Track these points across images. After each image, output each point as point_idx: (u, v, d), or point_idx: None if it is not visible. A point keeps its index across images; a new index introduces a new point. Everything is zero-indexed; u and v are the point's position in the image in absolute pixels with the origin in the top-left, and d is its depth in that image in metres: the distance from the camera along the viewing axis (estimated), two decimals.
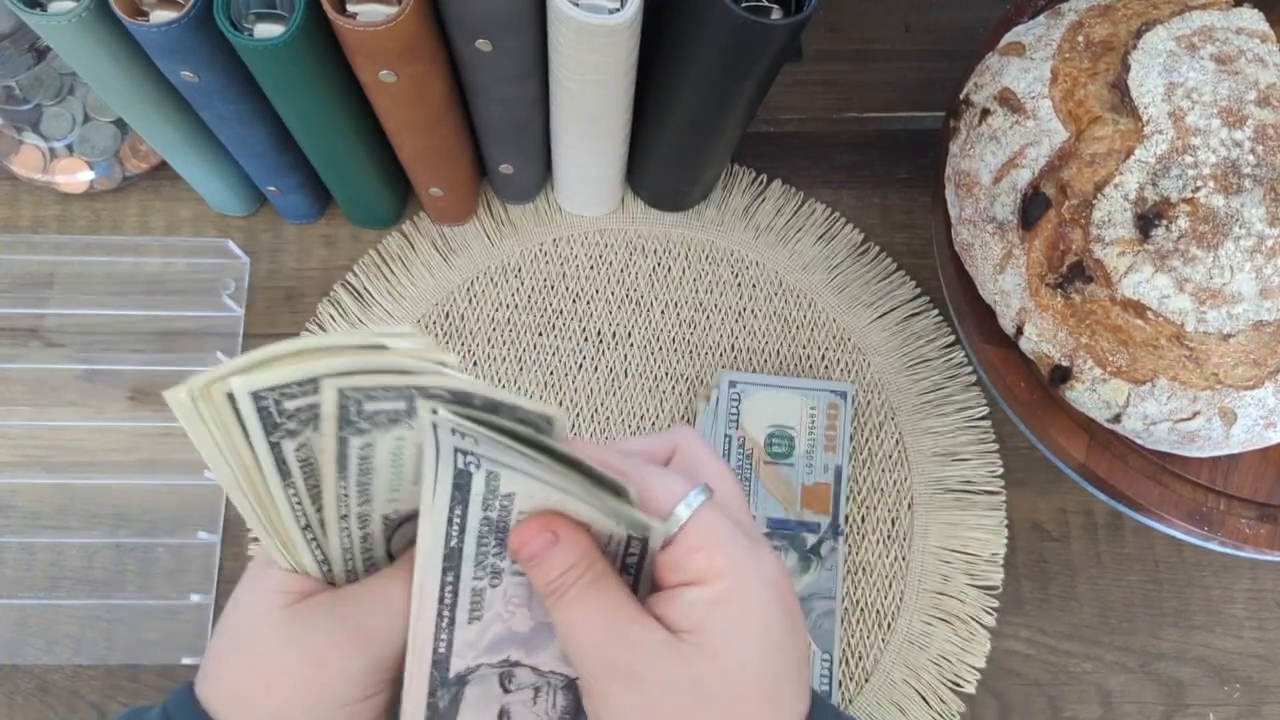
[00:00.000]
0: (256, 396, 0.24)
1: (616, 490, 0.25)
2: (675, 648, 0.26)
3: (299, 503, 0.27)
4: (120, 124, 0.58)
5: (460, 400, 0.24)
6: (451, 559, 0.27)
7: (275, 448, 0.25)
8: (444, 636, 0.27)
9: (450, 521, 0.26)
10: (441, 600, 0.27)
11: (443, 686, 0.28)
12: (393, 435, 0.26)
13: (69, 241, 0.58)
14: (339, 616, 0.28)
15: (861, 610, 0.54)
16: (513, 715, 0.29)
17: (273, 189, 0.55)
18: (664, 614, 0.27)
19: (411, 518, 0.29)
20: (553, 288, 0.59)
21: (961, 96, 0.50)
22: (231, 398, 0.23)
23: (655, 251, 0.60)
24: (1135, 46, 0.44)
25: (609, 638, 0.26)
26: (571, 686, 0.30)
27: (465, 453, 0.25)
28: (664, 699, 0.26)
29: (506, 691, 0.29)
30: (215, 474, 0.26)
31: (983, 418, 0.57)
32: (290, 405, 0.24)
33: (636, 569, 0.28)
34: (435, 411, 0.23)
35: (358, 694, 0.27)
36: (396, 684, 0.29)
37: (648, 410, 0.57)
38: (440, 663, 0.28)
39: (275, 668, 0.27)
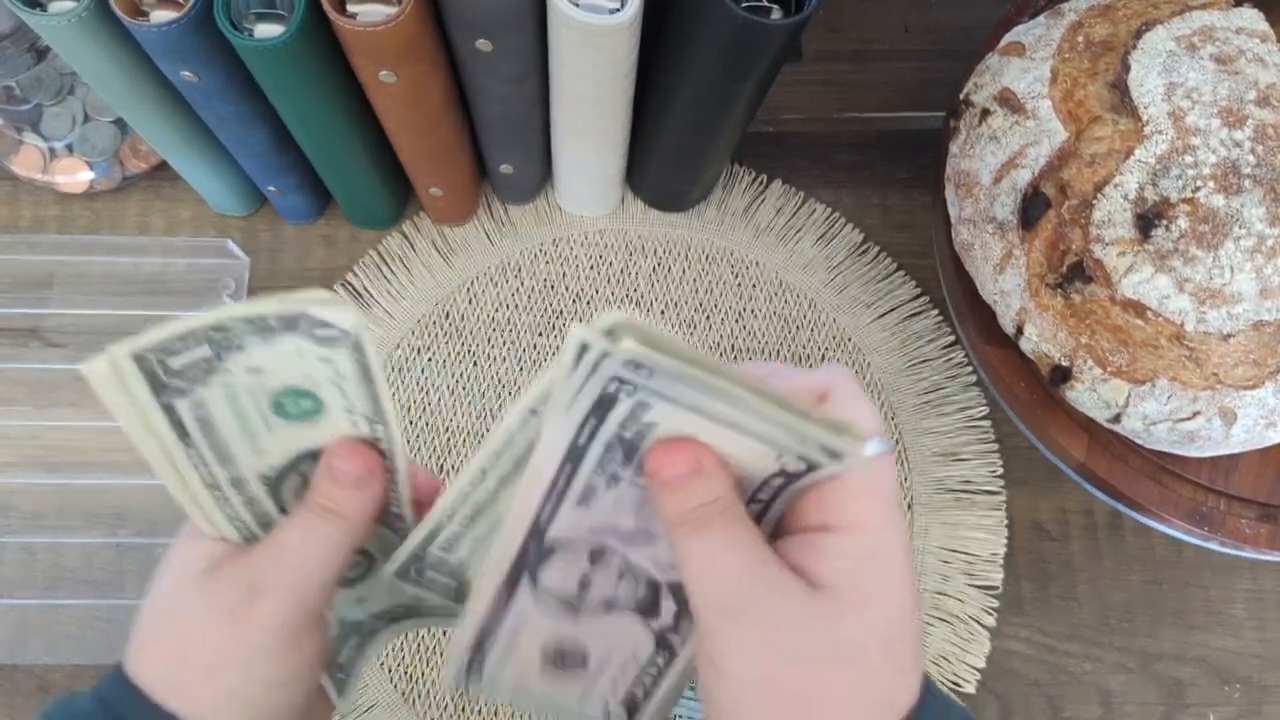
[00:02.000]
0: (138, 358, 0.24)
1: (817, 424, 0.24)
2: (815, 598, 0.25)
3: (204, 463, 0.27)
4: (120, 124, 0.58)
5: (258, 326, 0.24)
6: (573, 456, 0.26)
7: (169, 409, 0.25)
8: (549, 509, 0.27)
9: (582, 427, 0.25)
10: (554, 484, 0.26)
11: (534, 539, 0.28)
12: (217, 386, 0.25)
13: (69, 241, 0.58)
14: (242, 570, 0.28)
15: None
16: (594, 581, 0.29)
17: (272, 189, 0.55)
18: (801, 561, 0.25)
19: (290, 469, 0.29)
20: (553, 288, 0.59)
21: (961, 96, 0.50)
22: (117, 363, 0.24)
23: (655, 251, 0.60)
24: (1135, 46, 0.44)
25: (744, 579, 0.25)
26: (655, 586, 0.29)
27: (624, 381, 0.24)
28: (798, 650, 0.24)
29: (593, 565, 0.28)
30: (135, 445, 0.26)
31: (983, 418, 0.57)
32: (175, 363, 0.24)
33: (763, 511, 0.27)
34: (612, 344, 0.22)
35: (279, 643, 0.27)
36: (320, 628, 0.29)
37: None
38: (537, 530, 0.27)
39: (193, 631, 0.27)
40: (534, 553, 0.28)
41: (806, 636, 0.24)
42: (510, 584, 0.29)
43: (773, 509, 0.27)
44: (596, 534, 0.28)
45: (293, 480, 0.29)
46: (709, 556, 0.25)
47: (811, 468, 0.25)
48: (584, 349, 0.23)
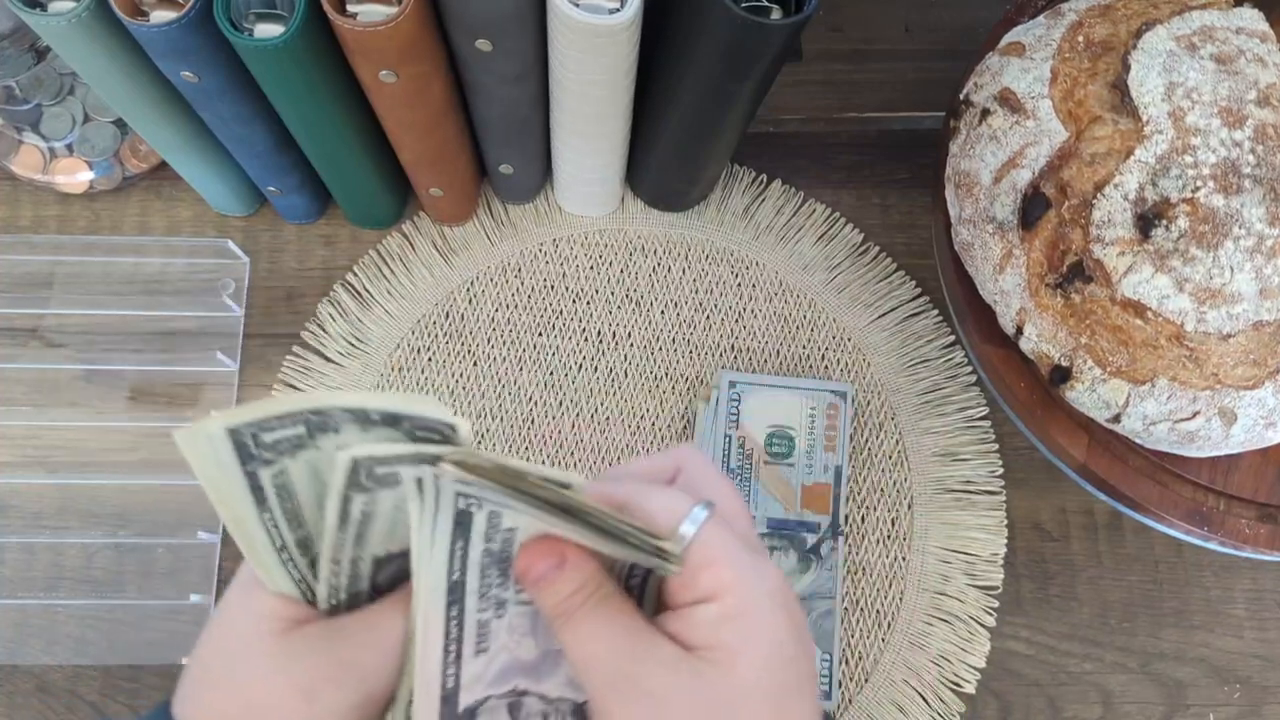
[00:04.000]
0: (232, 432, 0.25)
1: (636, 540, 0.25)
2: (688, 663, 0.26)
3: (274, 526, 0.27)
4: (120, 124, 0.58)
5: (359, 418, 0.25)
6: (455, 593, 0.27)
7: (251, 476, 0.26)
8: (451, 670, 0.27)
9: (452, 556, 0.26)
10: (448, 635, 0.27)
11: (451, 715, 0.28)
12: (395, 493, 0.26)
13: (69, 241, 0.58)
14: (329, 649, 0.27)
15: (861, 610, 0.54)
16: None
17: (273, 189, 0.55)
18: (675, 632, 0.26)
19: (400, 555, 0.29)
20: (553, 288, 0.59)
21: (961, 96, 0.50)
22: (212, 436, 0.25)
23: (655, 251, 0.60)
24: (1135, 46, 0.44)
25: (620, 655, 0.26)
26: (580, 712, 0.29)
27: (469, 497, 0.25)
28: (677, 716, 0.25)
29: (515, 717, 0.29)
30: (213, 504, 0.26)
31: (983, 418, 0.57)
32: (268, 438, 0.25)
33: (641, 589, 0.28)
34: (436, 467, 0.24)
35: None
36: (379, 715, 0.29)
37: (648, 410, 0.57)
38: (449, 698, 0.27)
39: (261, 697, 0.27)
40: None
41: (684, 705, 0.25)
42: None
43: (649, 584, 0.28)
44: (504, 681, 0.28)
45: (392, 562, 0.29)
46: (586, 640, 0.26)
47: (655, 567, 0.27)
48: (420, 483, 0.24)
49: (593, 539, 0.26)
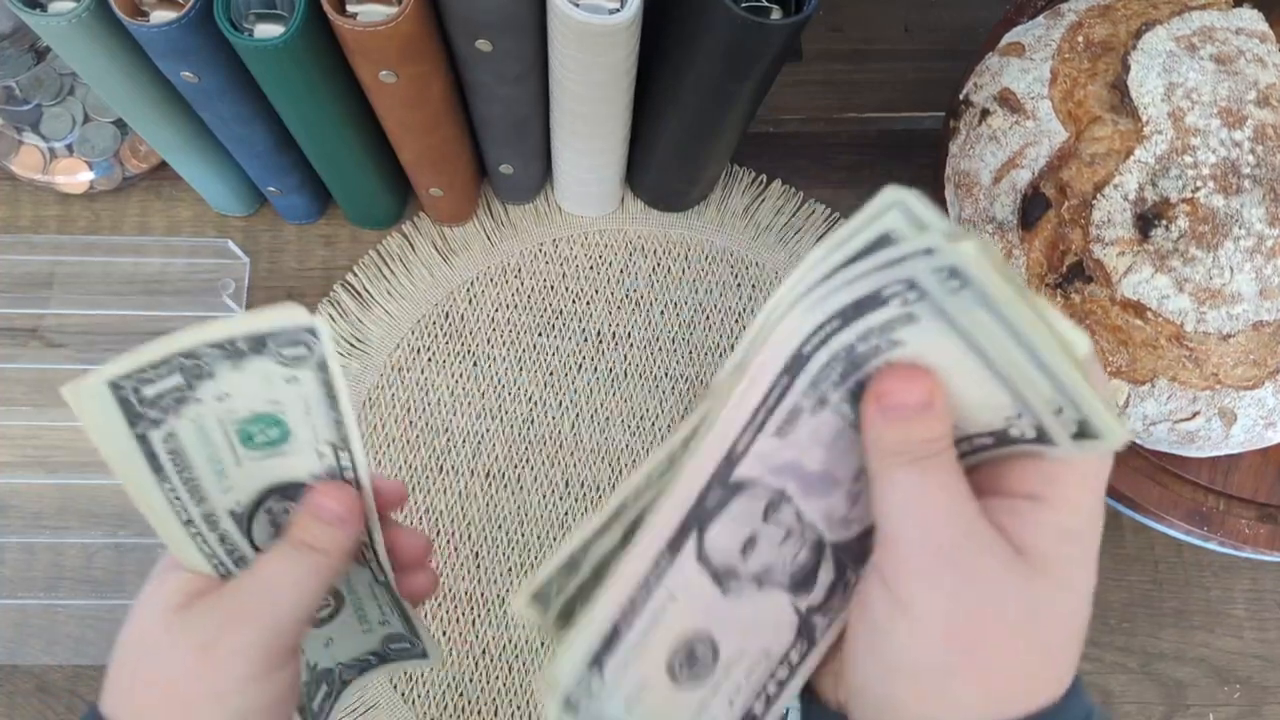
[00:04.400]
0: (114, 386, 0.24)
1: (1084, 395, 0.22)
2: (1018, 564, 0.24)
3: (177, 497, 0.27)
4: (120, 124, 0.58)
5: (227, 350, 0.24)
6: (793, 367, 0.24)
7: (142, 440, 0.25)
8: (748, 436, 0.25)
9: (819, 329, 0.23)
10: (765, 401, 0.25)
11: (720, 484, 0.26)
12: (189, 417, 0.25)
13: (69, 241, 0.58)
14: (220, 601, 0.28)
15: None
16: (759, 544, 0.27)
17: (273, 189, 0.55)
18: (1007, 525, 0.25)
19: (258, 506, 0.29)
20: (553, 288, 0.59)
21: (961, 97, 0.50)
22: (94, 391, 0.24)
23: (655, 251, 0.60)
24: (1135, 47, 0.44)
25: (956, 522, 0.24)
26: (819, 549, 0.28)
27: (915, 287, 0.22)
28: (995, 610, 0.24)
29: (765, 520, 0.27)
30: (114, 472, 0.26)
31: None
32: (149, 392, 0.24)
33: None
34: (948, 243, 0.20)
35: (255, 669, 0.27)
36: (294, 664, 0.29)
37: (648, 410, 0.57)
38: (731, 458, 0.26)
39: (170, 667, 0.27)
40: (715, 499, 0.26)
41: (1005, 599, 0.24)
42: (676, 543, 0.26)
43: (965, 463, 0.26)
44: (779, 476, 0.26)
45: (261, 519, 0.29)
46: (922, 492, 0.24)
47: (1041, 439, 0.24)
48: (886, 241, 0.21)
49: (1032, 367, 0.22)
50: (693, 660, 0.27)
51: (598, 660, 0.25)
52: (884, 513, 0.25)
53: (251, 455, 0.27)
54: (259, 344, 0.25)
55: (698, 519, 0.26)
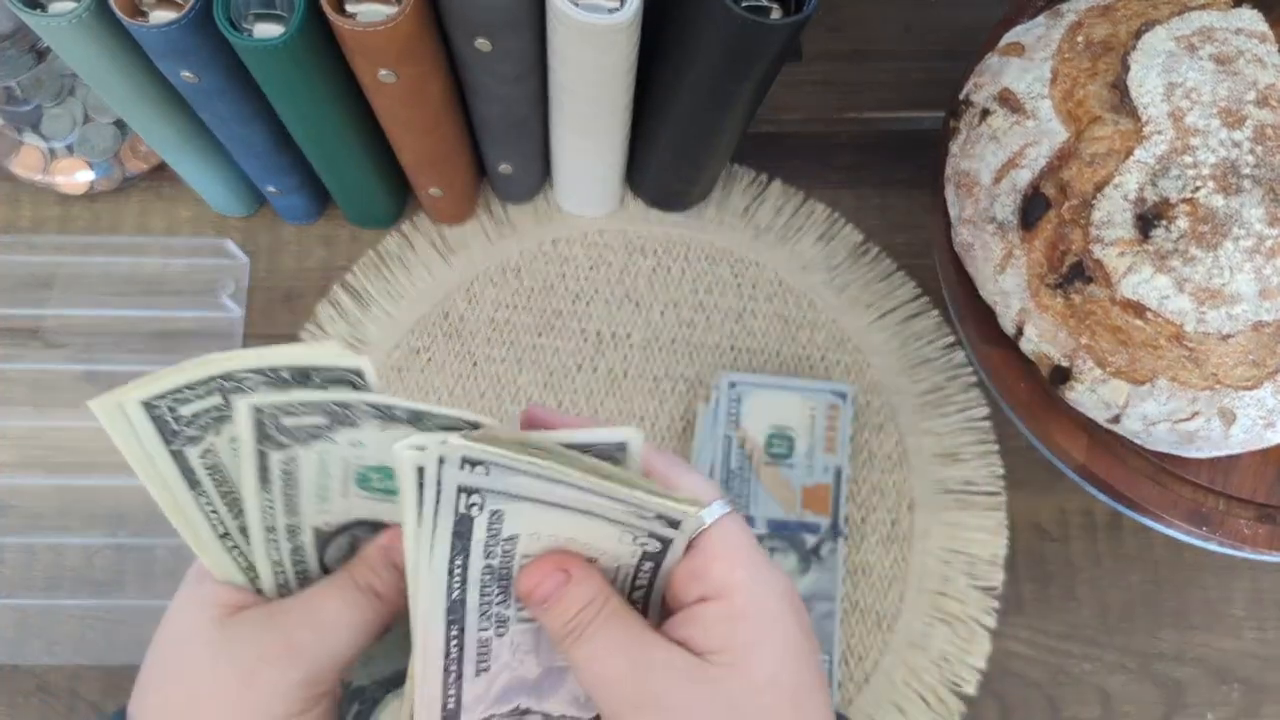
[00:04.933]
0: (148, 405, 0.24)
1: (657, 504, 0.24)
2: (702, 670, 0.25)
3: (213, 511, 0.27)
4: (120, 124, 0.58)
5: (383, 414, 0.24)
6: (455, 612, 0.26)
7: (178, 456, 0.25)
8: (452, 691, 0.27)
9: (451, 573, 0.25)
10: (448, 655, 0.26)
11: None
12: (315, 450, 0.26)
13: (69, 242, 0.58)
14: (269, 629, 0.27)
15: (861, 611, 0.54)
16: None
17: (272, 189, 0.55)
18: (685, 637, 0.26)
19: (344, 530, 0.29)
20: (553, 288, 0.59)
21: (961, 96, 0.50)
22: (126, 409, 0.24)
23: (655, 251, 0.60)
24: (1135, 47, 0.44)
25: (633, 670, 0.25)
26: None
27: (470, 491, 0.24)
28: None
29: None
30: (142, 481, 0.26)
31: (983, 418, 0.57)
32: (186, 411, 0.24)
33: (645, 598, 0.28)
34: (444, 442, 0.23)
35: (291, 709, 0.27)
36: (332, 698, 0.28)
37: (648, 410, 0.57)
38: (449, 711, 0.27)
39: (206, 686, 0.27)
40: None
41: (702, 709, 0.25)
42: None
43: (654, 594, 0.28)
44: (508, 699, 0.28)
45: (341, 540, 0.29)
46: (599, 658, 0.26)
47: (664, 543, 0.26)
48: (421, 471, 0.23)
49: (600, 499, 0.25)
50: None
51: None
52: (585, 688, 0.27)
53: (361, 494, 0.28)
54: (416, 418, 0.25)
55: None
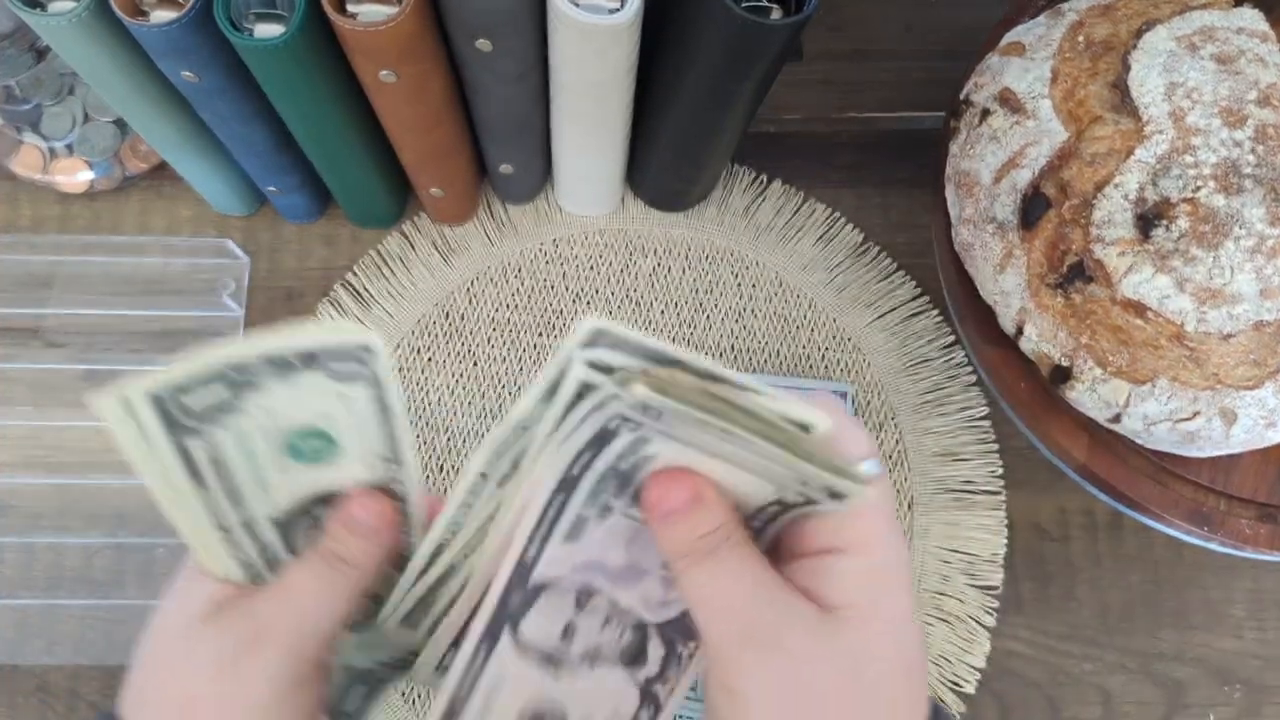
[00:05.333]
0: (155, 399, 0.24)
1: (819, 461, 0.23)
2: (827, 622, 0.24)
3: (217, 505, 0.26)
4: (120, 124, 0.58)
5: (278, 365, 0.24)
6: (565, 486, 0.25)
7: (182, 450, 0.25)
8: (535, 546, 0.26)
9: (576, 460, 0.24)
10: (543, 516, 0.26)
11: (519, 588, 0.27)
12: (230, 428, 0.25)
13: (69, 241, 0.58)
14: (246, 618, 0.27)
15: None
16: (579, 630, 0.28)
17: (273, 189, 0.55)
18: (807, 586, 0.25)
19: (302, 512, 0.28)
20: (553, 288, 0.59)
21: (961, 96, 0.50)
22: (132, 402, 0.24)
23: (655, 251, 0.60)
24: (1135, 46, 0.44)
25: (752, 604, 0.24)
26: (642, 629, 0.28)
27: (628, 420, 0.23)
28: (814, 675, 0.24)
29: (580, 609, 0.28)
30: (144, 480, 0.25)
31: (983, 418, 0.57)
32: (192, 402, 0.24)
33: (756, 537, 0.27)
34: (622, 388, 0.22)
35: (280, 691, 0.27)
36: (323, 672, 0.28)
37: None
38: (523, 565, 0.27)
39: (193, 681, 0.27)
40: (517, 600, 0.27)
41: (823, 661, 0.24)
42: (490, 636, 0.28)
43: (765, 534, 0.27)
44: (583, 572, 0.27)
45: (304, 523, 0.29)
46: (718, 585, 0.25)
47: (810, 502, 0.25)
48: (586, 389, 0.22)
49: (763, 460, 0.23)
50: None
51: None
52: (695, 612, 0.26)
53: (296, 466, 0.27)
54: (310, 359, 0.25)
55: (504, 619, 0.27)
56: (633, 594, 0.28)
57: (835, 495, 0.24)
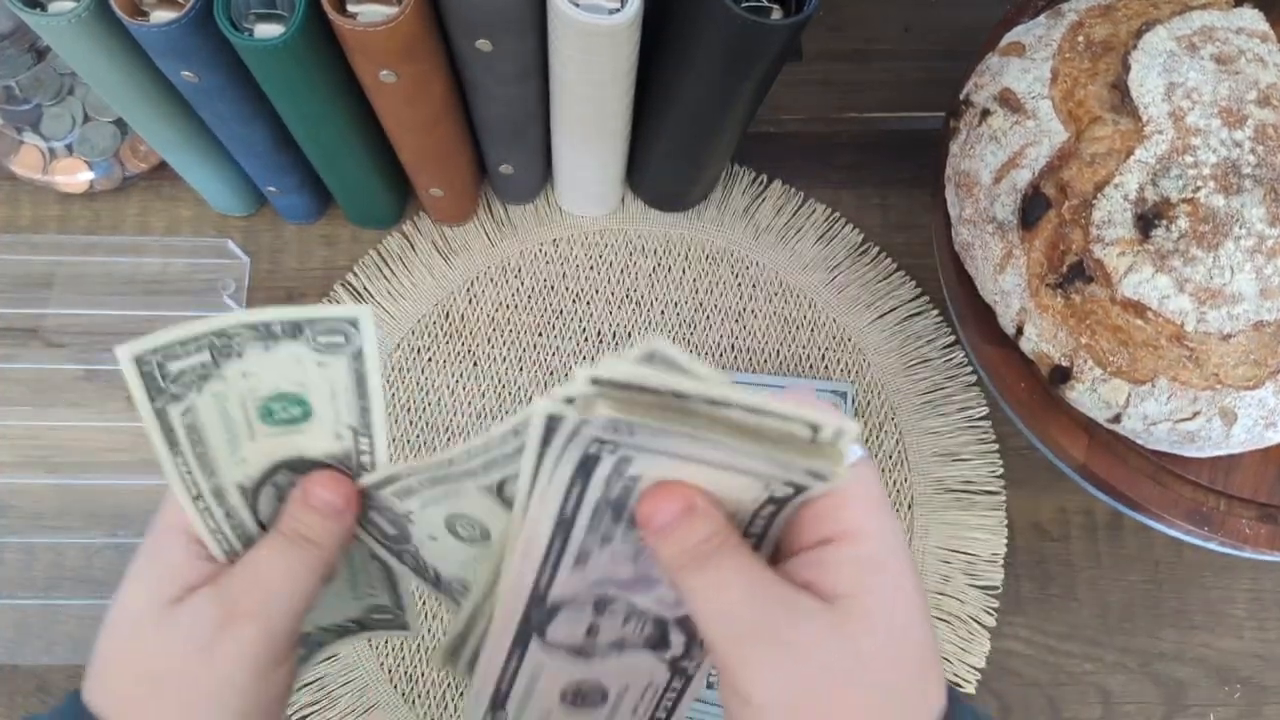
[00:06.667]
0: (140, 360, 0.24)
1: (792, 435, 0.23)
2: (829, 614, 0.24)
3: (189, 472, 0.27)
4: (120, 124, 0.58)
5: (262, 333, 0.24)
6: (562, 527, 0.26)
7: (161, 414, 0.25)
8: (546, 577, 0.27)
9: (566, 498, 0.25)
10: (547, 555, 0.26)
11: (535, 605, 0.28)
12: (209, 393, 0.25)
13: (69, 241, 0.58)
14: (217, 602, 0.27)
15: None
16: (602, 628, 0.29)
17: (273, 189, 0.55)
18: (808, 580, 0.25)
19: (266, 480, 0.29)
20: (553, 288, 0.59)
21: (961, 96, 0.50)
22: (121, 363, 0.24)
23: (655, 251, 0.60)
24: (1135, 47, 0.44)
25: (752, 602, 0.24)
26: (662, 623, 0.29)
27: (605, 441, 0.23)
28: (820, 668, 0.24)
29: (600, 613, 0.29)
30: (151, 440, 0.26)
31: (983, 418, 0.57)
32: (174, 367, 0.24)
33: (758, 543, 0.27)
34: (588, 413, 0.22)
35: (259, 671, 0.27)
36: (297, 648, 0.29)
37: None
38: (537, 593, 0.27)
39: (163, 664, 0.27)
40: (537, 616, 0.28)
41: (828, 653, 0.24)
42: (519, 643, 0.29)
43: (767, 538, 0.27)
44: (598, 586, 0.28)
45: (268, 492, 0.29)
46: (716, 588, 0.25)
47: (798, 490, 0.25)
48: (555, 420, 0.22)
49: (741, 457, 0.24)
50: (584, 696, 0.30)
51: (495, 705, 0.30)
52: (696, 618, 0.26)
53: (268, 431, 0.27)
54: (295, 329, 0.25)
55: (529, 630, 0.28)
56: (648, 598, 0.28)
57: (817, 476, 0.24)
